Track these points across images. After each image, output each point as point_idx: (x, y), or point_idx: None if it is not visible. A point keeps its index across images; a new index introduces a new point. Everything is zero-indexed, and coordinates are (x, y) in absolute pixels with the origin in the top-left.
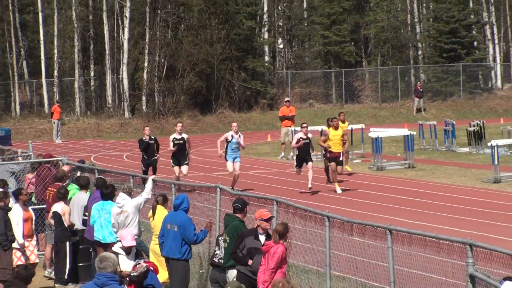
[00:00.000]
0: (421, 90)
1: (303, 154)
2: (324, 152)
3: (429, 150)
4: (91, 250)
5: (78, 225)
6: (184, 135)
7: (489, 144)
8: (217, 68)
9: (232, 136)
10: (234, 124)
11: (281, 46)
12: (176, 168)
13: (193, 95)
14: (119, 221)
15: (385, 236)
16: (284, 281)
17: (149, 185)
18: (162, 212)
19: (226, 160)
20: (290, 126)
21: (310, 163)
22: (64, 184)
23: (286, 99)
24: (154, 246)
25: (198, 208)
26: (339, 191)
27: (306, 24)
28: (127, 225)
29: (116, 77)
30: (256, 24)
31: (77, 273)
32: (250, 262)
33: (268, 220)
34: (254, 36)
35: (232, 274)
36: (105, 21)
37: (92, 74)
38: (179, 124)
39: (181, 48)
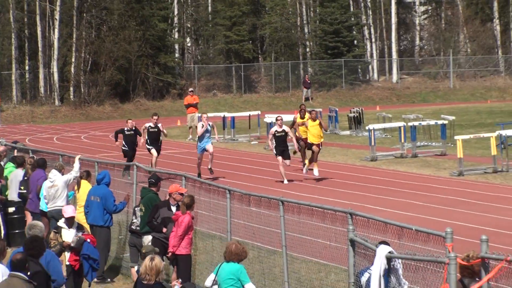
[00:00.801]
0: (309, 81)
1: (282, 148)
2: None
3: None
4: (25, 218)
5: (15, 198)
6: (159, 125)
7: (367, 127)
8: (134, 63)
9: (202, 125)
10: (205, 115)
11: (189, 44)
12: (153, 150)
13: (114, 86)
14: (50, 193)
15: (277, 206)
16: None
17: (76, 164)
18: (85, 185)
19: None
20: (195, 113)
21: (287, 161)
22: (2, 162)
23: (190, 89)
24: (78, 215)
25: (118, 183)
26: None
27: (210, 26)
28: (57, 197)
29: (48, 71)
30: (167, 25)
31: (9, 238)
32: (164, 230)
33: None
34: (166, 36)
35: (147, 239)
36: (38, 23)
37: (27, 68)
38: (155, 117)
39: (103, 46)
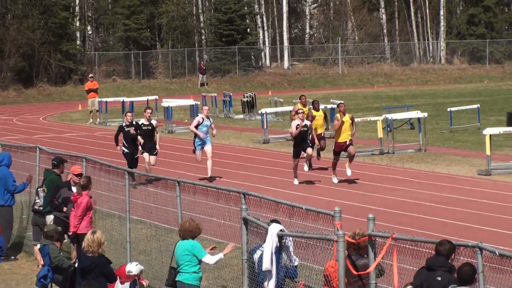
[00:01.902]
0: (204, 68)
1: (301, 142)
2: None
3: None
4: None
5: None
6: (153, 121)
7: (259, 112)
8: (37, 50)
9: (203, 119)
10: (206, 107)
11: (90, 32)
12: (145, 154)
13: (18, 72)
14: None
15: (174, 187)
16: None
17: None
18: None
19: (195, 149)
20: (95, 97)
21: (309, 149)
22: None
23: (90, 75)
24: None
25: (21, 165)
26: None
27: (110, 14)
28: None
29: None
30: (69, 14)
31: None
32: (64, 209)
33: (78, 175)
34: (68, 24)
35: (49, 218)
36: None
37: None
38: (148, 111)
39: (8, 34)
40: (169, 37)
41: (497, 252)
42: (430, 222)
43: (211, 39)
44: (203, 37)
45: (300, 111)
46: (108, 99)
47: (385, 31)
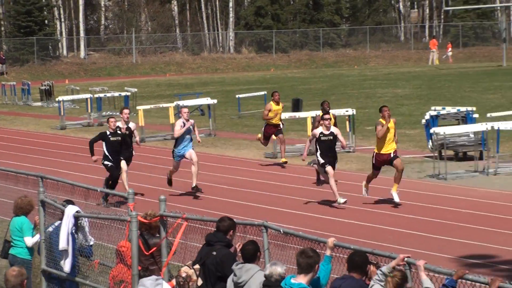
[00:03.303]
0: (3, 57)
1: (327, 154)
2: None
3: (10, 104)
4: None
5: None
6: (132, 124)
7: (57, 99)
8: None
9: (184, 123)
10: (185, 110)
11: None
12: (123, 164)
13: None
14: None
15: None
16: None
17: None
18: None
19: (174, 158)
20: None
21: (329, 168)
22: None
23: None
24: None
25: None
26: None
27: None
28: None
29: None
30: None
31: None
32: None
33: None
34: None
35: None
36: None
37: None
38: (126, 111)
39: None
40: None
41: (281, 230)
42: (221, 203)
43: (10, 30)
44: (2, 28)
45: (327, 116)
46: None
47: (177, 22)
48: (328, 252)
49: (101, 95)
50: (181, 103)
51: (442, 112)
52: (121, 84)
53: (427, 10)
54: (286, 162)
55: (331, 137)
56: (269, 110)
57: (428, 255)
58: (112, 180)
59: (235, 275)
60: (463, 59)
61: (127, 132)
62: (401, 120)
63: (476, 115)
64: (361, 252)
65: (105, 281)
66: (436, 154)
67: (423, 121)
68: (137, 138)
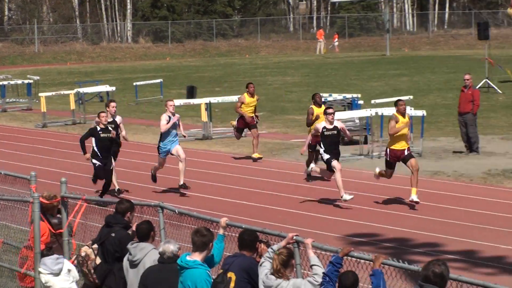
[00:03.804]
0: None
1: (332, 149)
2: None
3: None
4: None
5: None
6: (118, 118)
7: None
8: None
9: (170, 117)
10: (171, 103)
11: None
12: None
13: None
14: None
15: None
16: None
17: None
18: None
19: (159, 155)
20: None
21: (335, 163)
22: None
23: None
24: None
25: None
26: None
27: None
28: None
29: None
30: None
31: None
32: None
33: None
34: None
35: None
36: None
37: None
38: (113, 104)
39: None
40: None
41: (176, 211)
42: (120, 185)
43: None
44: None
45: (330, 110)
46: None
47: (77, 13)
48: (221, 231)
49: (5, 82)
50: (81, 90)
51: (329, 98)
52: (24, 72)
53: (315, 2)
54: (261, 158)
55: (335, 132)
56: (242, 103)
57: (316, 233)
58: (97, 179)
59: (130, 253)
60: (348, 48)
61: (113, 126)
62: (290, 106)
63: (361, 102)
64: (250, 231)
65: (9, 259)
66: None
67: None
68: (123, 133)
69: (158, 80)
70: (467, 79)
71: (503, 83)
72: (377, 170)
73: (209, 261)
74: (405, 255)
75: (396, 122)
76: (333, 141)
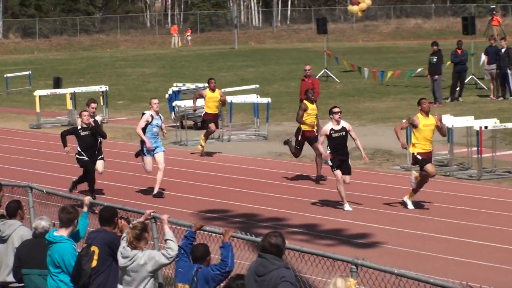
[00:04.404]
0: None
1: (341, 156)
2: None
3: None
4: None
5: None
6: (98, 117)
7: None
8: None
9: (152, 117)
10: (155, 101)
11: None
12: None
13: None
14: None
15: None
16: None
17: None
18: None
19: (144, 155)
20: None
21: (347, 177)
22: None
23: None
24: None
25: None
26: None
27: None
28: None
29: None
30: None
31: None
32: None
33: None
34: None
35: None
36: None
37: None
38: (93, 105)
39: None
40: None
41: (44, 191)
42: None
43: None
44: None
45: (337, 110)
46: None
47: None
48: (85, 209)
49: None
50: None
51: (183, 88)
52: None
53: (169, 1)
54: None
55: (343, 133)
56: (201, 96)
57: (171, 210)
58: (89, 178)
59: None
60: (200, 42)
61: (93, 125)
62: (148, 95)
63: None
64: (108, 208)
65: None
66: (178, 124)
67: (167, 95)
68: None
69: (27, 72)
70: (308, 69)
71: (342, 73)
72: (414, 175)
73: (74, 236)
74: (252, 229)
75: (415, 126)
76: (341, 143)
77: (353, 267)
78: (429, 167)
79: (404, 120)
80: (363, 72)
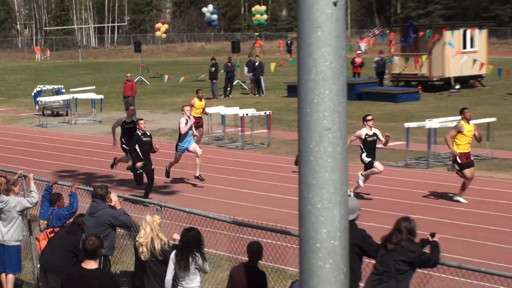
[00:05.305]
0: None
1: (372, 153)
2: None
3: None
4: None
5: None
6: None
7: None
8: None
9: (187, 120)
10: (187, 107)
11: None
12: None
13: None
14: None
15: None
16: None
17: None
18: None
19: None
20: None
21: (378, 164)
22: None
23: None
24: None
25: None
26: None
27: None
28: None
29: None
30: None
31: None
32: None
33: None
34: None
35: None
36: None
37: None
38: (131, 108)
39: None
40: None
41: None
42: None
43: None
44: None
45: (370, 117)
46: None
47: None
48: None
49: None
50: None
51: (44, 88)
52: None
53: (34, 29)
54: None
55: (375, 138)
56: (192, 105)
57: (35, 171)
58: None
59: None
60: (56, 58)
61: (132, 126)
62: (20, 93)
63: (63, 90)
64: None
65: None
66: (40, 113)
67: (33, 93)
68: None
69: None
70: (129, 76)
71: (151, 78)
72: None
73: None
74: (91, 182)
75: (460, 132)
76: (373, 146)
77: (159, 207)
78: (467, 171)
79: (452, 130)
80: (164, 77)
